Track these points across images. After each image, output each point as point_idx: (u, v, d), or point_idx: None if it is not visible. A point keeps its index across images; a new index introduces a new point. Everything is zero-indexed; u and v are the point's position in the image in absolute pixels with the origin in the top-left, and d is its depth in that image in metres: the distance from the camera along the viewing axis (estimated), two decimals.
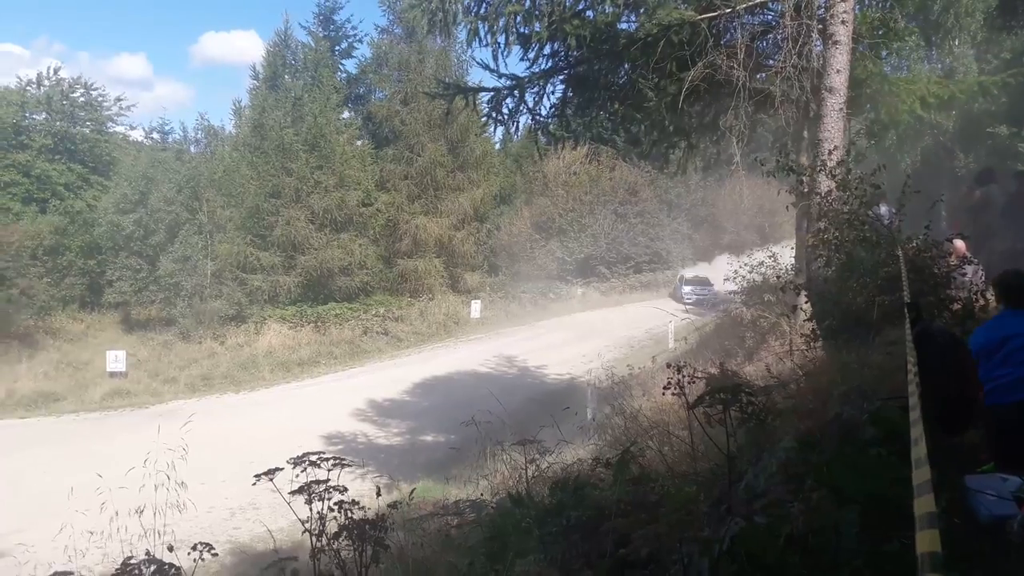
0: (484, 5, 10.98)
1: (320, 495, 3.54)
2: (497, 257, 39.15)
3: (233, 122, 41.30)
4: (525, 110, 11.99)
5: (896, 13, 12.00)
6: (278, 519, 8.41)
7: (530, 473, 5.25)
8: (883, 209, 7.54)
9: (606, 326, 29.73)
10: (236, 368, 26.41)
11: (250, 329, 29.94)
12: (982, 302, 5.91)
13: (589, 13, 11.14)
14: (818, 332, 7.66)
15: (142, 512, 6.40)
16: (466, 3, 11.08)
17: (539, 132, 12.93)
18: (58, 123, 39.39)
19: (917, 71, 17.03)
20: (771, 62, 11.00)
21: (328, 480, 3.62)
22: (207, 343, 28.81)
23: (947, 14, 13.47)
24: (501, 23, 10.82)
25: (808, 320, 8.20)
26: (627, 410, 9.17)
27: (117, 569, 3.21)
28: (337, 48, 41.95)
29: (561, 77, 11.90)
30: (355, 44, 42.81)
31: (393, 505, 4.19)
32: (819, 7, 9.75)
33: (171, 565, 3.21)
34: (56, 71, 40.74)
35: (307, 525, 3.51)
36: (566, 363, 22.59)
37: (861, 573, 2.35)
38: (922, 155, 22.39)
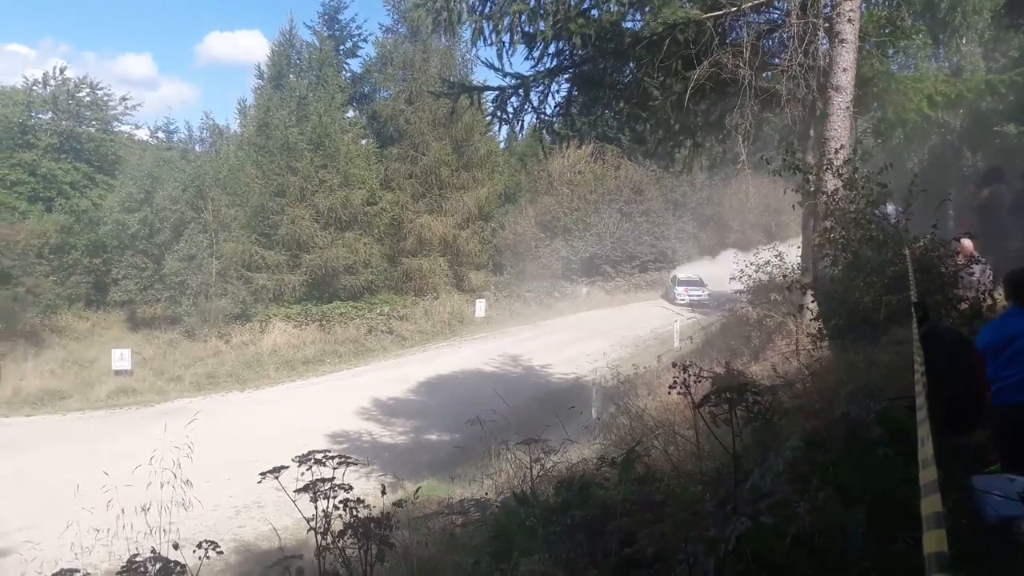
0: (489, 4, 10.98)
1: (325, 493, 3.54)
2: (502, 256, 39.15)
3: (238, 121, 41.40)
4: (530, 109, 12.00)
5: (903, 11, 11.95)
6: (283, 517, 8.41)
7: (535, 472, 5.24)
8: (890, 208, 7.51)
9: (611, 325, 29.71)
10: (241, 367, 26.49)
11: (255, 328, 30.02)
12: (990, 301, 5.88)
13: (594, 12, 11.13)
14: (824, 331, 7.62)
15: (148, 510, 6.41)
16: (471, 2, 11.08)
17: (544, 131, 12.93)
18: (64, 122, 39.48)
19: (924, 69, 16.98)
20: (777, 60, 10.98)
21: (333, 478, 3.61)
22: (212, 341, 28.89)
23: (954, 12, 13.43)
24: (506, 22, 10.82)
25: (814, 319, 8.16)
26: (632, 409, 9.17)
27: (123, 566, 3.21)
28: (342, 47, 41.99)
29: (566, 76, 11.89)
30: (360, 43, 42.92)
31: (398, 504, 4.19)
32: (825, 5, 9.73)
33: (176, 563, 3.21)
34: (62, 71, 40.88)
35: (312, 523, 3.51)
36: (571, 362, 22.59)
37: (867, 573, 2.34)
38: (929, 154, 22.32)
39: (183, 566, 3.22)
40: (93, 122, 41.40)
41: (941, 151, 23.07)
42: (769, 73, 11.23)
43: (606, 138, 31.87)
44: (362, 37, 42.85)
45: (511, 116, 12.03)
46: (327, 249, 31.89)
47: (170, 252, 30.68)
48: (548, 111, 12.23)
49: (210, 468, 9.93)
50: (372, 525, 3.48)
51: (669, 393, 4.43)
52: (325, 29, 41.33)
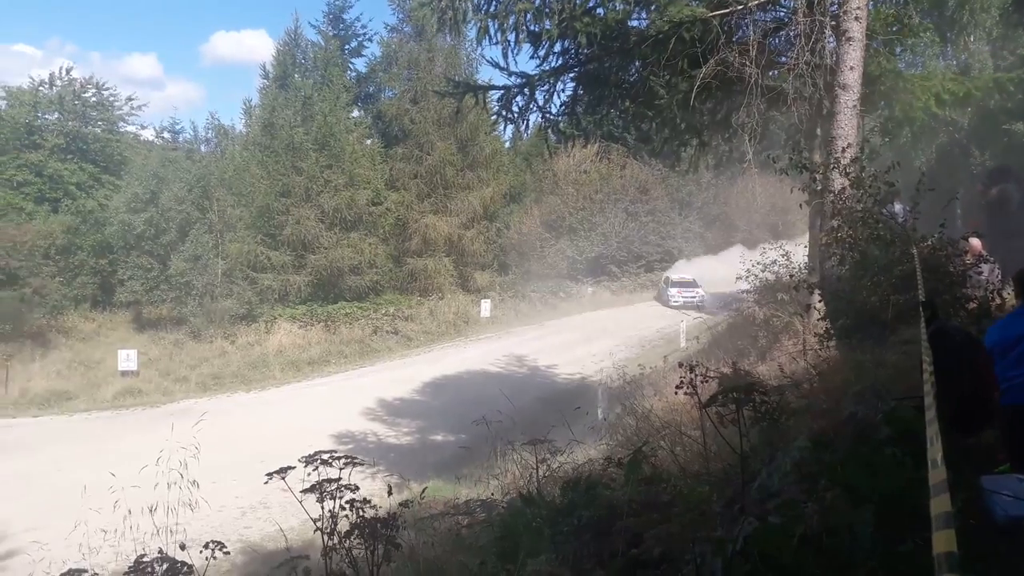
0: (494, 3, 10.96)
1: (332, 494, 3.54)
2: (507, 256, 39.13)
3: (243, 121, 41.59)
4: (535, 108, 11.98)
5: (910, 9, 11.89)
6: (289, 518, 8.42)
7: (541, 473, 5.23)
8: (897, 207, 7.48)
9: (617, 325, 29.67)
10: (247, 367, 26.54)
11: (260, 328, 30.07)
12: (998, 301, 5.85)
13: (599, 10, 11.10)
14: (832, 331, 7.59)
15: (154, 510, 6.43)
16: (476, 1, 11.06)
17: (549, 130, 12.89)
18: (70, 123, 39.59)
19: (932, 67, 16.90)
20: (784, 59, 10.94)
21: (339, 479, 3.61)
22: (218, 342, 28.96)
23: (962, 10, 13.34)
24: (511, 21, 10.79)
25: (822, 319, 8.14)
26: (639, 410, 9.16)
27: (131, 567, 3.22)
28: (347, 47, 42.06)
29: (571, 75, 11.87)
30: (365, 43, 43.00)
31: (404, 504, 4.19)
32: (832, 3, 9.68)
33: (183, 563, 3.22)
34: (68, 71, 40.97)
35: (319, 524, 3.51)
36: (577, 362, 22.56)
37: (876, 573, 2.33)
38: (937, 152, 22.26)
39: (190, 566, 3.23)
40: (99, 122, 41.50)
41: (949, 150, 23.02)
42: (776, 71, 11.20)
43: (612, 137, 31.97)
44: (367, 36, 43.01)
45: (516, 115, 12.01)
46: (332, 249, 31.93)
47: (176, 253, 30.76)
48: (553, 110, 12.21)
49: (216, 469, 9.92)
50: (378, 525, 3.48)
51: (676, 393, 4.42)
52: (330, 29, 41.43)
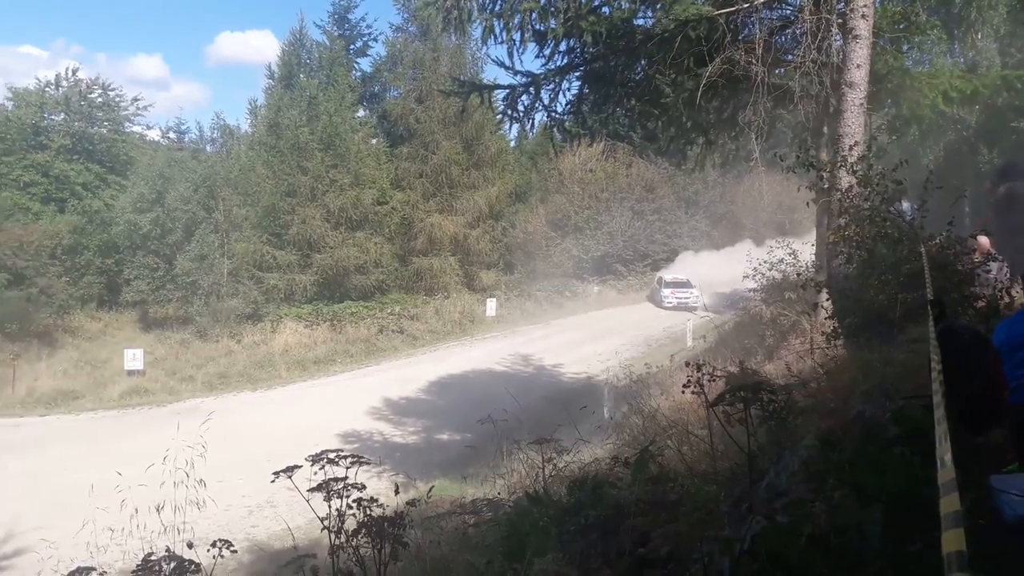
0: (499, 2, 10.95)
1: (339, 492, 3.54)
2: (512, 255, 39.12)
3: (249, 121, 41.56)
4: (541, 107, 11.97)
5: (917, 6, 11.86)
6: (295, 517, 8.43)
7: (547, 472, 5.23)
8: (905, 205, 7.45)
9: (623, 324, 29.66)
10: (253, 366, 26.57)
11: (266, 327, 30.12)
12: (1007, 299, 5.82)
13: (605, 9, 11.09)
14: (839, 330, 7.56)
15: (161, 509, 6.45)
16: (481, 0, 11.06)
17: (555, 129, 12.90)
18: (76, 123, 39.69)
19: (939, 65, 16.87)
20: (790, 57, 10.93)
21: (346, 478, 3.62)
22: (224, 341, 29.00)
23: (970, 7, 13.28)
24: (516, 20, 10.79)
25: (829, 318, 8.11)
26: (645, 409, 9.13)
27: (139, 565, 3.23)
28: (352, 47, 42.08)
29: (577, 74, 11.86)
30: (370, 43, 43.03)
31: (411, 503, 4.19)
32: (839, 1, 9.65)
33: (191, 562, 3.22)
34: (74, 72, 41.05)
35: (326, 522, 3.52)
36: (583, 361, 22.55)
37: (884, 573, 2.31)
38: (945, 150, 22.20)
39: (197, 565, 3.24)
40: (105, 123, 41.59)
41: (956, 147, 22.94)
42: (782, 70, 11.18)
43: (617, 136, 31.93)
44: (372, 36, 43.04)
45: (522, 114, 12.01)
46: (338, 249, 31.96)
47: (182, 252, 30.82)
48: (559, 109, 12.22)
49: (223, 467, 9.97)
50: (385, 524, 3.48)
51: (683, 392, 4.41)
52: (335, 28, 41.48)
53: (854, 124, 8.87)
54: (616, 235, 39.50)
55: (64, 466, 14.65)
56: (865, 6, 8.88)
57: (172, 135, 49.90)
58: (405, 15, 39.49)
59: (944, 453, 1.93)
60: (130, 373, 24.81)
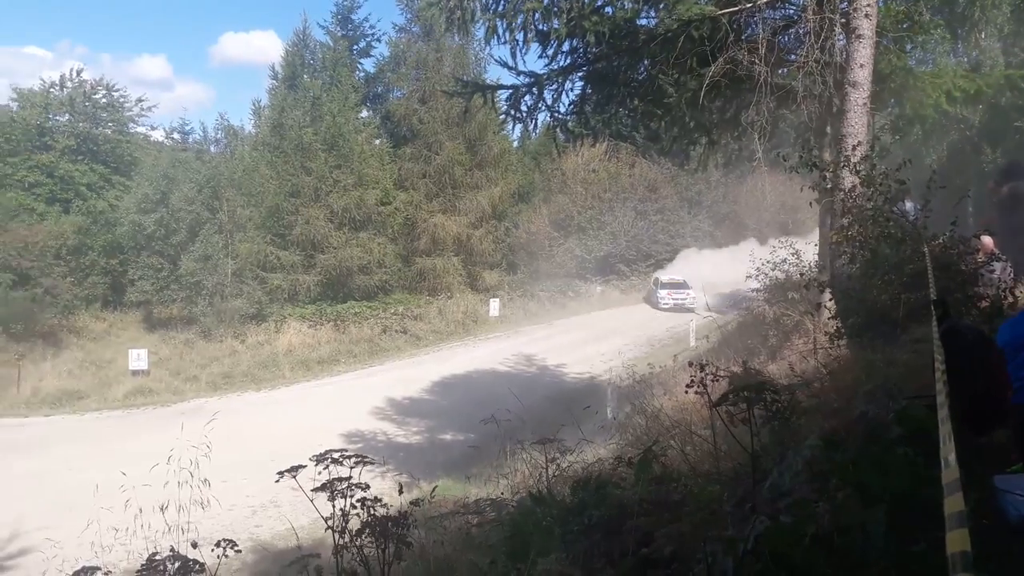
0: (502, 2, 10.97)
1: (343, 492, 3.54)
2: (515, 255, 39.13)
3: (252, 122, 41.51)
4: (544, 107, 11.99)
5: (921, 6, 11.84)
6: (299, 517, 8.44)
7: (551, 472, 5.24)
8: (908, 205, 7.44)
9: (626, 324, 29.65)
10: (257, 366, 26.61)
11: (270, 328, 30.15)
12: (1010, 299, 5.81)
13: (608, 9, 11.10)
14: (842, 330, 7.56)
15: (166, 509, 6.47)
16: (484, 1, 11.07)
17: (558, 129, 12.90)
18: (81, 124, 39.72)
19: (943, 65, 16.81)
20: (793, 57, 10.91)
21: (350, 477, 3.62)
22: (228, 341, 29.04)
23: (973, 6, 13.25)
24: (519, 20, 10.80)
25: (832, 318, 8.10)
26: (648, 409, 9.11)
27: (143, 564, 3.24)
28: (355, 47, 42.07)
29: (580, 74, 11.87)
30: (373, 43, 42.94)
31: (415, 503, 4.19)
32: (842, 1, 9.64)
33: (195, 561, 3.23)
34: (79, 73, 41.06)
35: (330, 522, 3.52)
36: (586, 362, 22.54)
37: (888, 573, 2.32)
38: (948, 150, 22.15)
39: (202, 564, 3.24)
40: (109, 124, 41.63)
41: (960, 147, 22.88)
42: (785, 69, 11.17)
43: (620, 136, 31.86)
44: (375, 37, 42.97)
45: (525, 115, 12.02)
46: (341, 249, 31.98)
47: (186, 253, 30.86)
48: (562, 109, 12.22)
49: (227, 467, 9.98)
50: (389, 524, 3.48)
51: (686, 392, 4.40)
52: (339, 29, 41.45)
53: (857, 124, 8.86)
54: (619, 235, 39.50)
55: (68, 466, 14.68)
56: (868, 5, 8.88)
57: (176, 136, 49.98)
58: (408, 15, 39.55)
59: (948, 453, 1.93)
60: (134, 373, 24.85)
